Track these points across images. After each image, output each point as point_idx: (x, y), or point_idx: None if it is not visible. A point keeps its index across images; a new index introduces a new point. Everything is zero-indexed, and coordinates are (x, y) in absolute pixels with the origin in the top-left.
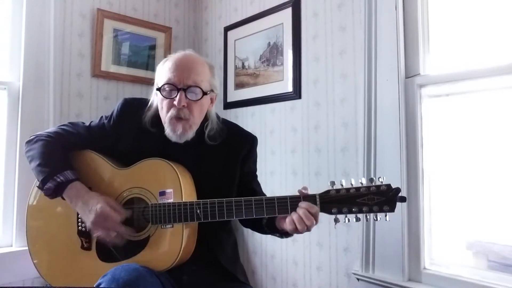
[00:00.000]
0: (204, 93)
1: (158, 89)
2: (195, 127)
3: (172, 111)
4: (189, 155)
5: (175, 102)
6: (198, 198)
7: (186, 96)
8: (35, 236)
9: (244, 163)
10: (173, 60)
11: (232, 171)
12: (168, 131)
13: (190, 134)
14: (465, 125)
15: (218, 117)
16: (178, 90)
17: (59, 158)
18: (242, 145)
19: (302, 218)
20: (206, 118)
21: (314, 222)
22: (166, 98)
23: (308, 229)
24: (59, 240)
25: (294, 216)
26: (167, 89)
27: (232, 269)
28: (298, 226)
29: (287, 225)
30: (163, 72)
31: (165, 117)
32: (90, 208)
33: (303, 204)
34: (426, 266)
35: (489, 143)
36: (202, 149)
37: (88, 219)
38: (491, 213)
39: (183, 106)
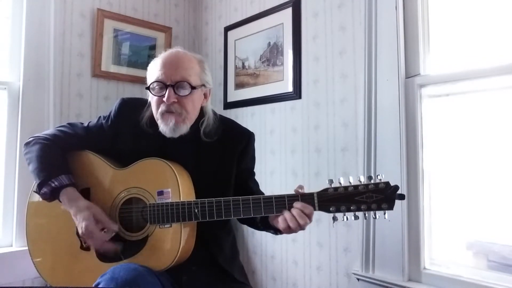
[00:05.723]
0: (193, 87)
1: (148, 88)
2: (189, 122)
3: (162, 107)
4: (185, 152)
5: (164, 99)
6: (195, 196)
7: (175, 92)
8: (35, 236)
9: (240, 160)
10: (161, 59)
11: (228, 167)
12: (161, 126)
13: (184, 128)
14: (465, 125)
15: (214, 113)
16: (167, 86)
17: (55, 162)
18: (238, 141)
19: (295, 217)
20: (202, 115)
21: (308, 221)
22: (156, 95)
23: (302, 227)
24: (58, 240)
25: (287, 214)
26: (156, 87)
27: (229, 267)
28: (291, 224)
29: (280, 223)
30: (152, 71)
31: (157, 113)
32: (78, 222)
33: (297, 205)
34: (426, 266)
35: (489, 143)
36: (198, 146)
37: (79, 230)
38: (491, 213)
39: (173, 102)
